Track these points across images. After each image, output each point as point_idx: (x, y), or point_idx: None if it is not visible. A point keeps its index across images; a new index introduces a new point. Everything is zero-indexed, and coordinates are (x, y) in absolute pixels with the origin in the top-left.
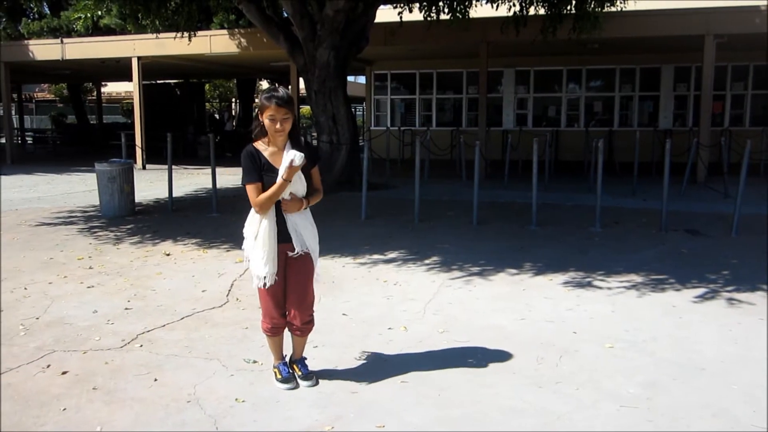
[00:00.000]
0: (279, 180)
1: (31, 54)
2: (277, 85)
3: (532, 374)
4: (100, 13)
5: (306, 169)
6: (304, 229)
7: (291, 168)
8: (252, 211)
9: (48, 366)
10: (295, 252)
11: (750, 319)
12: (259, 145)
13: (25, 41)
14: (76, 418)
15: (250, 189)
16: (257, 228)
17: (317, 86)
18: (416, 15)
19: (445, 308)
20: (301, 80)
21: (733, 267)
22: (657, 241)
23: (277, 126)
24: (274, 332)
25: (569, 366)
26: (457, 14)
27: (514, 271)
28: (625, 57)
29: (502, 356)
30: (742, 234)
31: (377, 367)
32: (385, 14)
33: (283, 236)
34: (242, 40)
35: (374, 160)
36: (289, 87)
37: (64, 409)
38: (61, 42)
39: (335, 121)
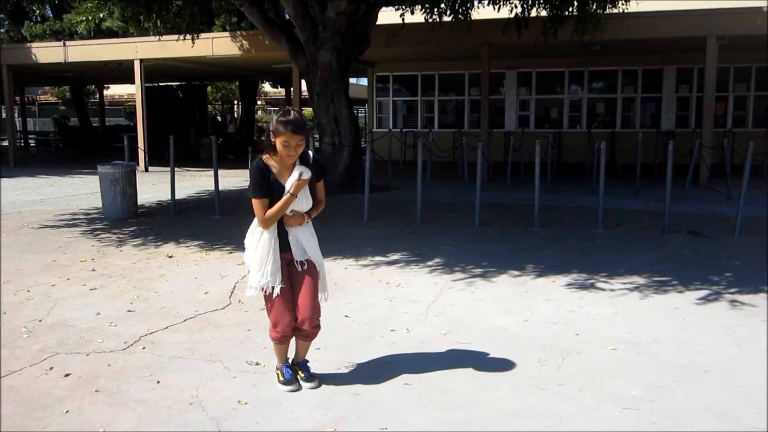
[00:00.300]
0: (285, 195)
1: (33, 57)
2: (287, 110)
3: (534, 376)
4: (102, 15)
5: (311, 182)
6: (306, 241)
7: (298, 182)
8: (255, 222)
9: (51, 368)
10: (295, 260)
11: (753, 321)
12: (269, 160)
13: (28, 44)
14: (79, 420)
15: (257, 204)
16: (258, 239)
17: (319, 88)
18: (418, 17)
19: (447, 310)
20: (303, 82)
21: (736, 269)
22: (659, 242)
23: (291, 152)
24: (283, 341)
25: (572, 368)
26: (459, 16)
27: (516, 272)
28: (627, 58)
29: (504, 358)
30: (744, 235)
31: (379, 369)
32: (387, 16)
33: (284, 247)
34: (244, 42)
35: (376, 161)
36: (291, 89)
37: (67, 411)
38: (64, 45)
39: (337, 122)
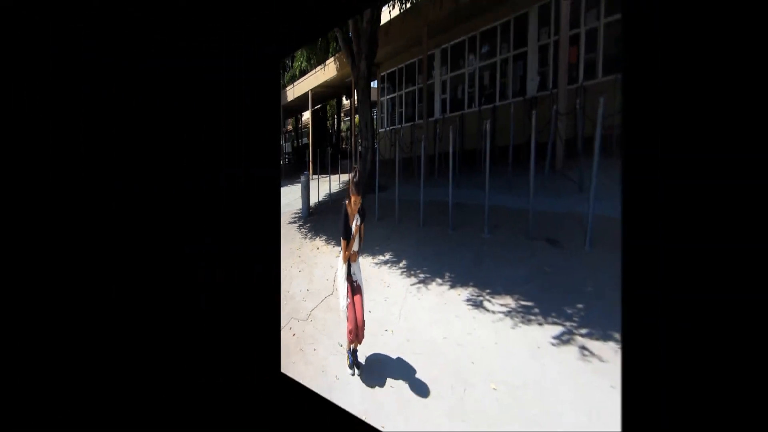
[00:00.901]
0: (351, 237)
1: (286, 98)
2: (356, 171)
3: (446, 405)
4: (302, 60)
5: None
6: (357, 272)
7: (357, 227)
8: (341, 256)
9: (290, 328)
10: (354, 280)
11: (602, 383)
12: (348, 207)
13: (284, 90)
14: (293, 369)
15: (344, 243)
16: (339, 267)
17: (360, 96)
18: (397, 9)
19: (409, 315)
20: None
21: (588, 297)
22: (527, 252)
23: (356, 207)
24: (354, 341)
25: (470, 402)
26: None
27: (440, 281)
28: (503, 8)
29: (432, 378)
30: (597, 246)
31: (381, 368)
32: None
33: (348, 273)
34: (335, 63)
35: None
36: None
37: (294, 362)
38: (292, 87)
39: (366, 126)
